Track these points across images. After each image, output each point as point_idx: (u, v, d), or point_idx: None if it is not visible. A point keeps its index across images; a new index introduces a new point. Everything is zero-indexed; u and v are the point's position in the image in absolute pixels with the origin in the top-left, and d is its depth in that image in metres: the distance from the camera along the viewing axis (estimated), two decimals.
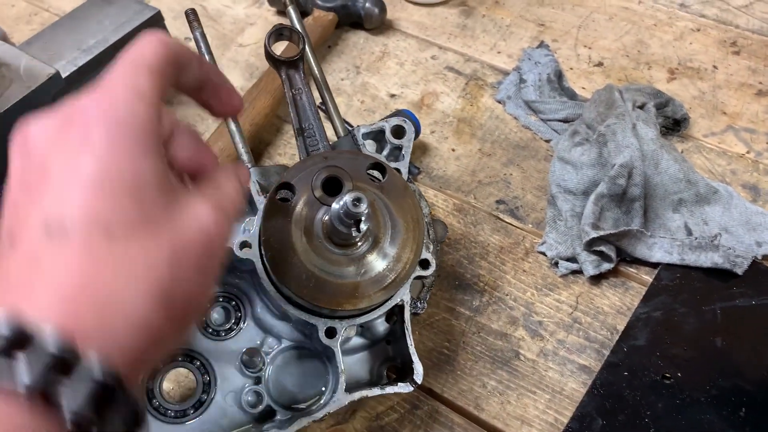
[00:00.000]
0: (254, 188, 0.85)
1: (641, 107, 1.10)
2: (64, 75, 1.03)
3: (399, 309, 0.85)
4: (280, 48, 1.01)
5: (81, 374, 0.35)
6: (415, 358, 0.83)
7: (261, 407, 0.85)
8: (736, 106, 1.19)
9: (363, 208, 0.68)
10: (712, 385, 0.89)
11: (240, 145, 0.89)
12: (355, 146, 0.88)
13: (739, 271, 0.96)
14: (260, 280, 0.83)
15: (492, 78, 1.26)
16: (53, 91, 0.99)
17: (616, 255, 0.99)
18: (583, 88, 1.24)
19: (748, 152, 1.13)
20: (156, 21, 1.17)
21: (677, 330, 0.93)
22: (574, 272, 1.01)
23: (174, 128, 0.50)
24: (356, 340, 0.88)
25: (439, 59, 1.30)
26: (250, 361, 0.86)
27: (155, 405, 0.85)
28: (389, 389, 0.82)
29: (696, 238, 0.99)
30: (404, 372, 0.87)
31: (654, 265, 1.00)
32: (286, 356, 0.89)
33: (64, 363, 0.35)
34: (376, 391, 0.82)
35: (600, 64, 1.27)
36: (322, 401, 0.86)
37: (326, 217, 0.76)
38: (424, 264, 0.81)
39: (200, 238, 0.44)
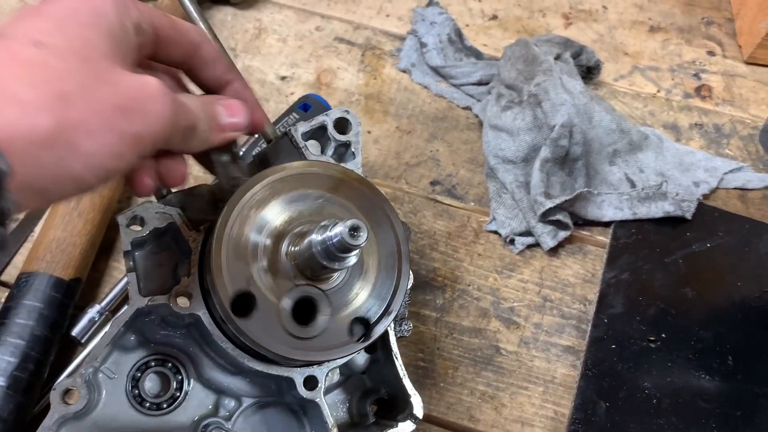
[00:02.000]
0: (180, 222, 0.67)
1: (557, 59, 1.04)
2: None
3: (381, 336, 0.72)
4: None
5: None
6: (410, 389, 0.71)
7: None
8: (635, 45, 1.17)
9: (362, 239, 0.53)
10: (696, 339, 0.86)
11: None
12: (294, 150, 0.72)
13: (689, 215, 0.94)
14: (207, 335, 0.66)
15: (388, 45, 1.14)
16: None
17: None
18: (485, 45, 1.15)
19: (658, 91, 1.12)
20: None
21: (648, 288, 0.90)
22: (531, 246, 0.94)
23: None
24: (328, 384, 0.74)
25: (324, 30, 1.15)
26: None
27: None
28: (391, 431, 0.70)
29: (643, 189, 0.95)
30: (391, 404, 0.75)
31: (606, 224, 0.96)
32: (249, 416, 0.73)
33: None
34: None
35: (495, 17, 1.19)
36: None
37: (294, 248, 0.61)
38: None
39: (129, 91, 0.47)
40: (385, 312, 0.63)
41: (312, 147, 0.72)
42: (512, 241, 0.93)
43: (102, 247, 0.89)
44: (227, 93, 0.63)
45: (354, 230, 0.53)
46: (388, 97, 1.08)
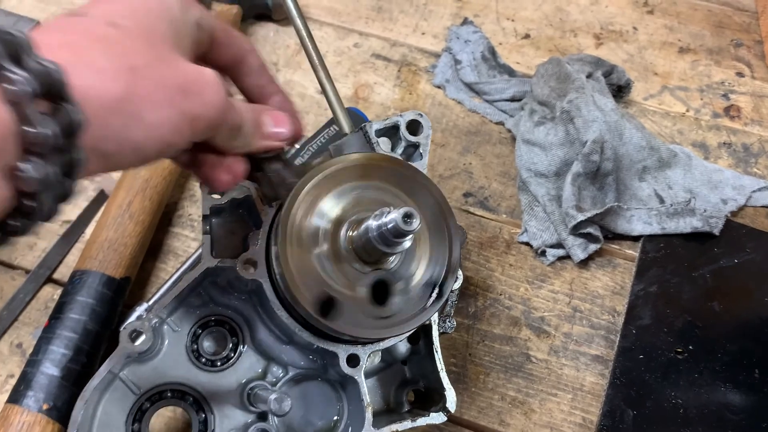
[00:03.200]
0: (257, 196, 0.72)
1: (589, 77, 1.07)
2: None
3: (425, 329, 0.75)
4: None
5: (37, 68, 0.41)
6: (446, 383, 0.74)
7: None
8: (664, 65, 1.20)
9: (416, 224, 0.57)
10: (723, 352, 0.88)
11: (338, 111, 0.77)
12: (366, 144, 0.76)
13: (716, 231, 0.96)
14: (265, 302, 0.70)
15: (424, 62, 1.18)
16: None
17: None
18: (518, 62, 1.19)
19: (687, 111, 1.14)
20: None
21: (676, 301, 0.92)
22: (561, 258, 0.96)
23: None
24: (369, 366, 0.77)
25: (362, 47, 1.19)
26: (256, 395, 0.73)
27: None
28: (421, 420, 0.73)
29: (671, 205, 0.98)
30: (427, 396, 0.78)
31: (634, 238, 0.98)
32: (293, 385, 0.77)
33: (20, 52, 0.41)
34: (406, 425, 0.73)
35: (527, 36, 1.23)
36: None
37: (352, 233, 0.65)
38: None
39: (190, 75, 0.51)
40: (449, 267, 0.68)
41: (383, 144, 0.77)
42: (543, 253, 0.96)
43: (150, 249, 0.93)
44: (269, 104, 0.67)
45: (407, 216, 0.57)
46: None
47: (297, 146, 1.02)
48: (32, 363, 0.79)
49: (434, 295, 0.68)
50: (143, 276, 0.93)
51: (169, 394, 0.73)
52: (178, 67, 0.52)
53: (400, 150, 0.78)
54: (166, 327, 0.74)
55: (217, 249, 0.73)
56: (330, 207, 0.66)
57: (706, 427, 0.83)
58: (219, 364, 0.75)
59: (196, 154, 0.59)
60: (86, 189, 1.00)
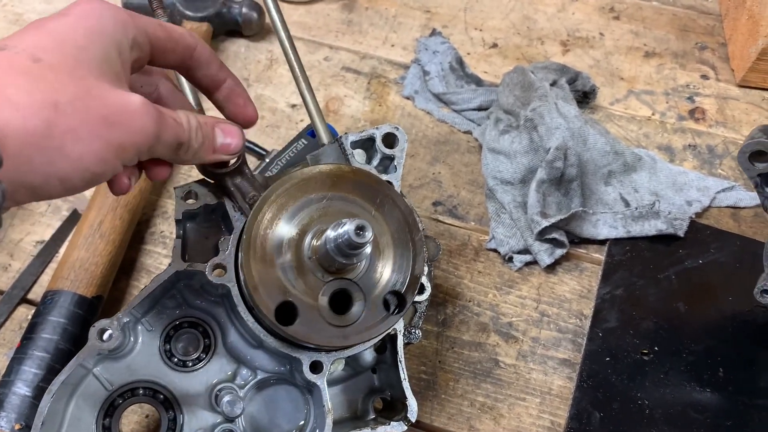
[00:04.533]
0: (228, 204, 0.73)
1: (553, 84, 1.09)
2: None
3: (391, 338, 0.77)
4: None
5: None
6: (408, 393, 0.76)
7: None
8: (630, 70, 1.22)
9: (368, 236, 0.59)
10: (688, 352, 0.89)
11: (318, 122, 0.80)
12: (342, 155, 0.78)
13: (681, 233, 0.98)
14: (235, 307, 0.72)
15: (393, 73, 1.20)
16: None
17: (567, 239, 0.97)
18: (485, 72, 1.21)
19: (653, 114, 1.16)
20: None
21: (641, 303, 0.93)
22: (529, 264, 0.98)
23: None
24: (337, 372, 0.79)
25: (332, 60, 1.21)
26: (220, 403, 0.75)
27: None
28: (381, 429, 0.75)
29: (636, 208, 0.99)
30: (393, 405, 0.80)
31: (601, 242, 1.00)
32: (262, 389, 0.78)
33: None
34: (367, 431, 0.74)
35: (495, 45, 1.25)
36: None
37: (316, 242, 0.66)
38: (420, 288, 0.73)
39: (115, 106, 0.52)
40: (411, 279, 0.69)
41: (358, 155, 0.78)
42: (511, 259, 0.97)
43: (122, 266, 0.95)
44: (222, 90, 0.69)
45: (360, 229, 0.59)
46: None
47: (267, 160, 1.03)
48: (4, 384, 0.80)
49: (394, 306, 0.69)
50: (116, 294, 0.94)
51: (141, 392, 0.75)
52: (104, 99, 0.52)
53: (375, 162, 0.80)
54: (140, 327, 0.76)
55: (191, 253, 0.75)
56: (296, 216, 0.68)
57: (672, 427, 0.84)
58: (190, 364, 0.77)
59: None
60: (60, 209, 1.02)
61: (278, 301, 0.66)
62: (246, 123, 0.71)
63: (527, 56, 1.23)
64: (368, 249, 0.64)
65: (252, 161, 1.06)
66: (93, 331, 0.70)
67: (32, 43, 0.51)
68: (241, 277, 0.69)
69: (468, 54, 1.23)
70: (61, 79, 0.50)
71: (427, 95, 1.16)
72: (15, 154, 0.46)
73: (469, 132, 1.11)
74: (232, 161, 0.69)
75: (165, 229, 1.00)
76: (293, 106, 1.15)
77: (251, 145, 1.08)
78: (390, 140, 0.81)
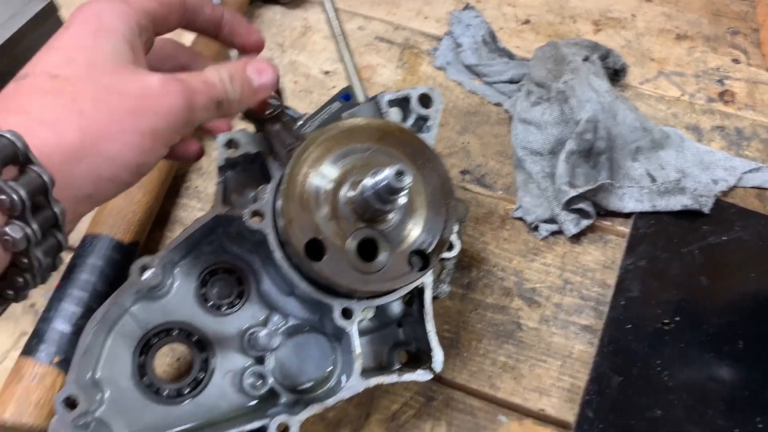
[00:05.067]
0: (267, 154, 0.76)
1: (585, 60, 1.10)
2: None
3: (419, 291, 0.79)
4: None
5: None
6: (434, 344, 0.78)
7: (264, 390, 0.78)
8: (661, 51, 1.23)
9: (407, 181, 0.61)
10: (708, 324, 0.91)
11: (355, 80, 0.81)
12: (378, 114, 0.80)
13: (706, 210, 0.99)
14: (270, 253, 0.75)
15: (426, 45, 1.21)
16: None
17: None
18: (517, 47, 1.22)
19: (682, 95, 1.17)
20: (49, 13, 1.00)
21: (664, 276, 0.95)
22: (554, 233, 0.99)
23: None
24: (365, 322, 0.81)
25: (366, 30, 1.23)
26: (255, 340, 0.77)
27: (147, 383, 0.76)
28: (407, 376, 0.77)
29: (662, 183, 1.01)
30: (418, 358, 0.82)
31: (626, 215, 1.01)
32: (291, 335, 0.81)
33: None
34: (393, 378, 0.77)
35: (527, 22, 1.26)
36: (329, 384, 0.80)
37: (351, 194, 0.69)
38: (449, 246, 0.75)
39: (135, 95, 0.53)
40: (439, 242, 0.71)
41: (394, 114, 0.80)
42: (536, 228, 0.99)
43: (157, 218, 0.97)
44: (224, 27, 0.69)
45: (399, 174, 0.60)
46: None
47: (300, 122, 1.05)
48: (44, 319, 0.83)
49: (419, 264, 0.71)
50: (151, 245, 0.97)
51: (175, 332, 0.78)
52: (123, 92, 0.54)
53: (410, 122, 0.82)
54: (177, 270, 0.79)
55: (229, 201, 0.78)
56: (338, 162, 0.70)
57: (690, 395, 0.85)
58: (224, 309, 0.80)
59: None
60: None
61: (309, 237, 0.68)
62: (257, 47, 0.71)
63: (559, 34, 1.24)
64: (404, 198, 0.66)
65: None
66: (135, 267, 0.73)
67: (47, 63, 0.54)
68: (278, 223, 0.72)
69: (500, 29, 1.24)
70: (79, 87, 0.52)
71: (459, 67, 1.17)
72: (61, 170, 0.48)
73: (499, 104, 1.13)
74: (274, 102, 0.72)
75: (199, 185, 1.03)
76: (326, 72, 1.17)
77: (285, 109, 1.10)
78: (425, 101, 0.83)
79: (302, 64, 1.18)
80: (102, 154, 0.51)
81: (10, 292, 0.51)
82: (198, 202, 1.01)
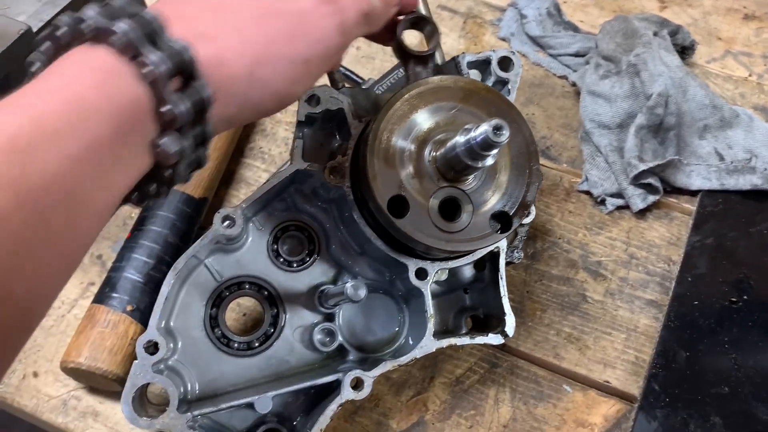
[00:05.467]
0: (348, 110, 0.76)
1: (654, 35, 1.08)
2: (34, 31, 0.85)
3: (492, 256, 0.79)
4: None
5: (169, 49, 0.44)
6: (507, 308, 0.78)
7: (333, 346, 0.78)
8: (728, 31, 1.21)
9: (505, 137, 0.60)
10: None
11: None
12: (458, 74, 0.80)
13: None
14: (344, 212, 0.75)
15: (489, 15, 1.20)
16: (27, 50, 0.82)
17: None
18: (581, 21, 1.20)
19: (750, 75, 1.15)
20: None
21: (732, 255, 0.94)
22: (620, 208, 0.98)
23: None
24: (433, 286, 0.81)
25: None
26: (326, 295, 0.78)
27: (218, 335, 0.77)
28: (479, 339, 0.77)
29: (731, 162, 0.99)
30: (485, 324, 0.82)
31: (693, 193, 1.00)
32: None
33: (153, 33, 0.43)
34: (465, 340, 0.77)
35: None
36: (395, 345, 0.81)
37: (436, 152, 0.68)
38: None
39: (292, 19, 0.52)
40: (521, 205, 0.71)
41: (474, 76, 0.80)
42: (603, 201, 0.98)
43: (223, 177, 0.97)
44: None
45: (497, 129, 0.60)
46: None
47: (364, 87, 1.05)
48: (116, 269, 0.84)
49: (500, 226, 0.71)
50: (216, 201, 0.97)
51: (247, 286, 0.79)
52: (283, 12, 0.52)
53: (488, 84, 0.81)
54: (251, 225, 0.79)
55: (305, 158, 0.78)
56: (421, 122, 0.70)
57: (757, 373, 0.85)
58: (295, 265, 0.80)
59: None
60: None
61: (393, 193, 0.68)
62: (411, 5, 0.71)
63: (624, 9, 1.22)
64: (494, 157, 0.66)
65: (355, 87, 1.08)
66: (218, 217, 0.73)
67: None
68: (357, 180, 0.71)
69: (564, 2, 1.23)
70: (240, 6, 0.50)
71: (523, 38, 1.16)
72: (215, 88, 0.47)
73: (564, 77, 1.11)
74: (431, 44, 0.74)
75: (264, 145, 1.03)
76: None
77: (348, 72, 1.09)
78: (505, 64, 0.82)
79: None
80: (255, 78, 0.50)
81: (137, 195, 0.49)
82: (262, 163, 1.01)
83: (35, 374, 0.84)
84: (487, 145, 0.61)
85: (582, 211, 0.98)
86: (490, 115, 0.72)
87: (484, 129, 0.61)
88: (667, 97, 0.98)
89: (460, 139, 0.64)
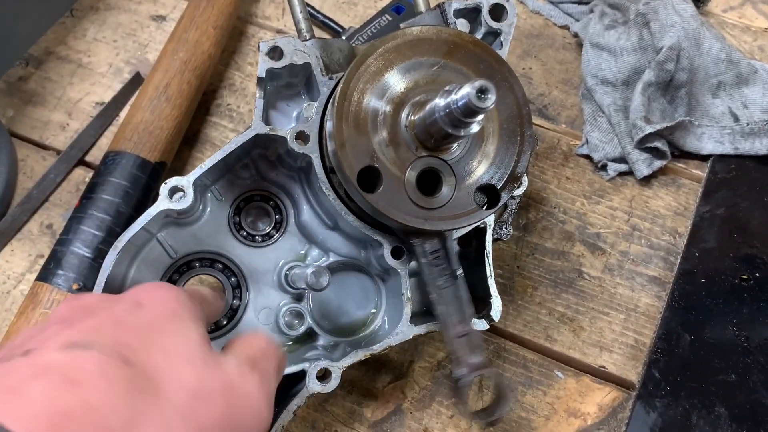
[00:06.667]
0: (317, 64, 0.66)
1: None
2: None
3: (478, 232, 0.70)
4: None
5: None
6: (493, 290, 0.70)
7: (302, 329, 0.72)
8: None
9: (490, 101, 0.51)
10: None
11: (298, 10, 0.70)
12: (443, 23, 0.70)
13: None
14: (313, 180, 0.67)
15: None
16: None
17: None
18: None
19: None
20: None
21: (744, 227, 0.85)
22: (622, 174, 0.90)
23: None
24: (413, 263, 0.73)
25: None
26: (294, 275, 0.70)
27: None
28: None
29: (747, 124, 0.90)
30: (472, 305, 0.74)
31: (703, 158, 0.91)
32: (332, 273, 0.73)
33: None
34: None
35: None
36: (372, 327, 0.73)
37: (414, 116, 0.59)
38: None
39: (220, 391, 0.44)
40: (511, 177, 0.62)
41: (461, 26, 0.71)
42: (604, 167, 0.89)
43: (185, 137, 0.88)
44: None
45: (482, 92, 0.50)
46: None
47: (343, 38, 0.95)
48: (63, 242, 0.75)
49: (486, 201, 0.62)
50: (178, 165, 0.89)
51: (206, 263, 0.72)
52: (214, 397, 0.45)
53: (478, 36, 0.72)
54: (209, 194, 0.71)
55: (269, 119, 0.69)
56: (397, 81, 0.60)
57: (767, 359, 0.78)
58: (259, 239, 0.73)
59: None
60: (121, 71, 0.95)
61: (364, 164, 0.59)
62: None
63: None
64: (479, 124, 0.57)
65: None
66: (164, 189, 0.65)
67: (107, 336, 0.42)
68: (327, 147, 0.63)
69: None
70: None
71: None
72: None
73: (566, 27, 1.01)
74: None
75: (232, 102, 0.93)
76: None
77: (327, 20, 0.99)
78: (498, 13, 0.72)
79: None
80: None
81: None
82: (230, 122, 0.92)
83: None
84: (469, 110, 0.52)
85: (581, 177, 0.90)
86: (477, 72, 0.63)
87: (466, 92, 0.51)
88: (679, 50, 0.88)
89: (439, 102, 0.55)
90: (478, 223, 0.69)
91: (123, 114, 0.92)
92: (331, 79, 0.67)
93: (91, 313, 0.45)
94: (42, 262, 0.82)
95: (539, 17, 1.02)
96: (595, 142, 0.90)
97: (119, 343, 0.41)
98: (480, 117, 0.54)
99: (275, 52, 0.66)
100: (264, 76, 0.66)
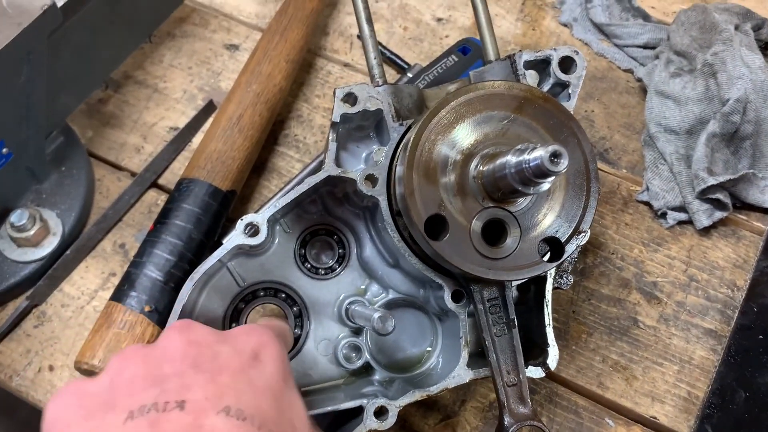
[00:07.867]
0: (388, 111, 0.69)
1: (736, 29, 0.97)
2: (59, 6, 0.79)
3: (538, 279, 0.72)
4: None
5: None
6: (551, 338, 0.71)
7: (359, 363, 0.74)
8: None
9: (563, 166, 0.52)
10: None
11: (372, 56, 0.73)
12: (511, 75, 0.72)
13: None
14: (378, 221, 0.70)
15: None
16: (50, 29, 0.76)
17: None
18: (653, 7, 1.09)
19: None
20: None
21: None
22: (681, 223, 0.90)
23: None
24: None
25: None
26: (355, 311, 0.72)
27: None
28: None
29: None
30: (526, 348, 0.75)
31: (765, 211, 0.90)
32: (390, 308, 0.76)
33: None
34: None
35: None
36: (427, 366, 0.75)
37: (484, 167, 0.61)
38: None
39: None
40: (575, 231, 0.64)
41: (530, 77, 0.72)
42: (664, 215, 0.89)
43: (254, 166, 0.92)
44: None
45: (555, 156, 0.52)
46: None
47: (410, 75, 0.97)
48: (136, 264, 0.79)
49: (550, 253, 0.64)
50: (246, 192, 0.92)
51: (272, 292, 0.75)
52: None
53: (546, 87, 0.73)
54: (278, 227, 0.74)
55: (338, 159, 0.72)
56: (467, 133, 0.62)
57: None
58: (322, 272, 0.76)
59: None
60: (195, 98, 0.99)
61: (431, 212, 0.61)
62: None
63: None
64: (548, 185, 0.58)
65: (391, 73, 1.00)
66: (240, 224, 0.68)
67: (251, 404, 0.48)
68: (395, 191, 0.65)
69: None
70: None
71: (587, 24, 1.06)
72: None
73: (630, 70, 1.01)
74: None
75: (299, 133, 0.97)
76: (439, 19, 1.07)
77: (393, 57, 1.02)
78: (567, 64, 0.74)
79: (413, 8, 1.08)
80: None
81: None
82: (296, 152, 0.95)
83: (51, 368, 0.81)
84: (541, 172, 0.54)
85: (640, 223, 0.90)
86: (547, 128, 0.64)
87: (539, 154, 0.53)
88: (746, 102, 0.88)
89: (511, 159, 0.57)
90: (542, 273, 0.70)
91: (195, 140, 0.96)
92: (401, 125, 0.69)
93: (217, 359, 0.51)
94: (114, 280, 0.86)
95: (603, 60, 1.03)
96: (656, 190, 0.90)
97: (263, 416, 0.47)
98: (551, 179, 0.55)
99: (350, 98, 0.69)
100: (338, 120, 0.69)
